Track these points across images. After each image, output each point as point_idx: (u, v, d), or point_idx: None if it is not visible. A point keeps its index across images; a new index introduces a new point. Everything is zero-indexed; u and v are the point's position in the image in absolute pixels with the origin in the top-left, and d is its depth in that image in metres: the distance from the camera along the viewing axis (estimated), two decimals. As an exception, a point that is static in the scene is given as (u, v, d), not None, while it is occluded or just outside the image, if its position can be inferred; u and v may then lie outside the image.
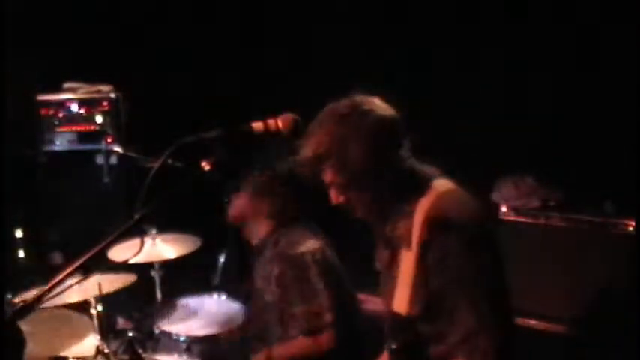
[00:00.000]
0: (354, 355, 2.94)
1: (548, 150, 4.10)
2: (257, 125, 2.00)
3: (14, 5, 4.44)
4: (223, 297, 3.69)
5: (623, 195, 3.71)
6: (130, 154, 4.54)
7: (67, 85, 4.74)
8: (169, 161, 1.90)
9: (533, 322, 3.86)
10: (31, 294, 1.82)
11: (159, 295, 3.75)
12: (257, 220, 3.04)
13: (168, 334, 3.35)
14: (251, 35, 5.22)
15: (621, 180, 3.67)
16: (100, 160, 4.63)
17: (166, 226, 3.62)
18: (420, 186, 2.17)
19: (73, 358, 2.87)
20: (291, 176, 2.90)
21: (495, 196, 4.09)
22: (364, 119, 2.13)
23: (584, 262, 3.71)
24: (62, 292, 1.82)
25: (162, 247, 3.62)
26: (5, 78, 4.30)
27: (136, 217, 1.82)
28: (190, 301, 3.67)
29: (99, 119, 4.63)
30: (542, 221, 3.90)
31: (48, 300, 1.76)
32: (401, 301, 2.17)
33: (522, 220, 3.95)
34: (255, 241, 3.07)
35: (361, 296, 3.21)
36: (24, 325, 2.40)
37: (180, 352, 3.25)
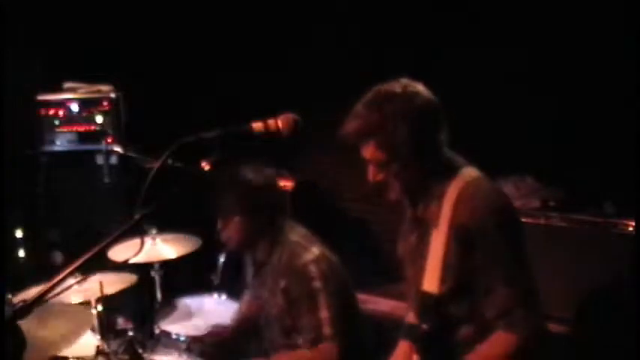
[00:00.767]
0: (356, 357, 2.95)
1: (548, 150, 4.10)
2: (257, 125, 2.00)
3: (14, 5, 4.43)
4: (223, 297, 3.70)
5: (623, 195, 3.70)
6: (130, 154, 4.54)
7: (67, 85, 4.74)
8: (169, 161, 1.90)
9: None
10: (31, 294, 1.82)
11: (159, 295, 3.75)
12: (253, 242, 3.01)
13: (168, 334, 3.36)
14: (251, 35, 5.22)
15: (621, 180, 3.67)
16: (100, 160, 4.63)
17: (166, 226, 3.63)
18: (452, 171, 2.26)
19: (73, 358, 2.87)
20: (260, 185, 2.90)
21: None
22: (413, 99, 2.21)
23: (584, 262, 3.71)
24: (62, 292, 1.82)
25: (162, 247, 3.63)
26: (5, 78, 4.30)
27: (136, 217, 1.82)
28: (190, 301, 3.68)
29: (99, 119, 4.63)
30: (542, 221, 3.89)
31: (48, 300, 1.76)
32: (432, 280, 2.22)
33: (522, 220, 3.95)
34: (258, 258, 3.04)
35: (362, 297, 3.21)
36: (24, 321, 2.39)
37: (180, 352, 3.25)
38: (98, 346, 2.94)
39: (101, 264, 1.89)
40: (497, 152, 4.10)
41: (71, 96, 4.69)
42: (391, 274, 5.02)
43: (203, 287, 3.83)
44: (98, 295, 3.01)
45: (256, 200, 2.91)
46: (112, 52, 4.80)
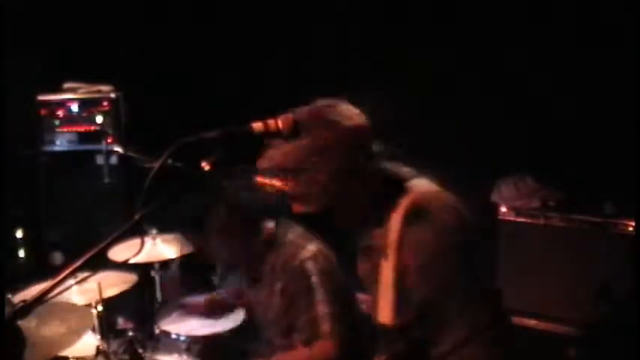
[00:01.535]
0: (354, 357, 2.94)
1: (548, 150, 4.10)
2: (257, 125, 1.99)
3: (14, 5, 4.43)
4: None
5: (623, 195, 3.71)
6: (130, 154, 4.54)
7: (67, 85, 4.74)
8: (169, 161, 1.90)
9: (532, 322, 3.86)
10: (31, 294, 1.81)
11: (159, 295, 3.75)
12: (246, 256, 3.01)
13: (168, 334, 3.36)
14: (251, 35, 5.22)
15: (621, 180, 3.67)
16: (100, 160, 4.63)
17: (166, 226, 3.63)
18: (395, 190, 2.08)
19: (73, 358, 2.87)
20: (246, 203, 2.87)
21: (495, 196, 4.09)
22: (330, 131, 2.03)
23: (584, 262, 3.71)
24: (62, 292, 1.82)
25: (162, 248, 3.63)
26: (5, 78, 4.30)
27: (136, 217, 1.82)
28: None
29: (99, 119, 4.63)
30: (542, 221, 3.90)
31: (48, 300, 1.76)
32: (384, 312, 2.09)
33: (522, 220, 3.95)
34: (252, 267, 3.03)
35: (361, 297, 3.20)
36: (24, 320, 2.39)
37: (180, 352, 3.25)
38: (98, 346, 2.94)
39: (101, 264, 1.89)
40: (497, 152, 4.11)
41: (71, 96, 4.69)
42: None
43: (203, 287, 3.83)
44: (98, 296, 3.00)
45: (253, 222, 2.90)
46: (112, 52, 4.80)
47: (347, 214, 2.12)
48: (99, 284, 2.97)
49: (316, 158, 2.01)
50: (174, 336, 3.34)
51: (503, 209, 4.01)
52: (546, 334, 3.83)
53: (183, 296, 3.72)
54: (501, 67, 4.13)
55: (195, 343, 3.27)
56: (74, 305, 2.96)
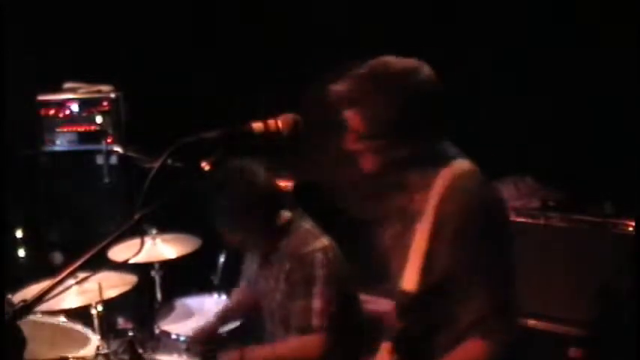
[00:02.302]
0: (353, 356, 2.94)
1: (548, 150, 4.10)
2: (257, 125, 1.99)
3: (14, 5, 4.43)
4: (223, 297, 3.70)
5: (623, 195, 3.71)
6: (130, 154, 4.54)
7: (67, 85, 4.74)
8: (169, 161, 1.90)
9: (532, 322, 3.86)
10: (30, 293, 1.82)
11: (159, 296, 3.75)
12: (255, 242, 3.00)
13: (168, 334, 3.36)
14: (251, 35, 5.21)
15: (621, 180, 3.67)
16: (100, 160, 4.63)
17: (166, 226, 3.63)
18: (442, 161, 2.12)
19: (73, 358, 2.87)
20: (260, 192, 2.85)
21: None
22: (412, 79, 2.08)
23: (584, 262, 3.71)
24: (62, 292, 1.82)
25: (162, 248, 3.63)
26: (5, 78, 4.30)
27: (136, 217, 1.82)
28: (190, 302, 3.68)
29: (99, 119, 4.63)
30: (541, 221, 3.89)
31: (48, 300, 1.76)
32: (411, 277, 2.11)
33: (522, 220, 3.95)
34: (263, 252, 3.01)
35: (364, 297, 3.20)
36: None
37: (180, 353, 3.25)
38: (98, 346, 2.94)
39: (101, 264, 1.89)
40: (497, 152, 4.11)
41: (71, 96, 4.69)
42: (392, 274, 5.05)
43: (203, 287, 3.83)
44: (98, 297, 3.00)
45: (271, 202, 2.89)
46: (112, 52, 4.80)
47: (393, 164, 2.12)
48: (100, 284, 2.97)
49: (393, 97, 2.04)
50: (174, 336, 3.34)
51: (504, 209, 4.01)
52: (546, 334, 3.83)
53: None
54: (500, 66, 4.13)
55: (195, 343, 3.27)
56: (70, 330, 2.98)
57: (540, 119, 4.06)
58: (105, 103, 4.66)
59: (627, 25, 3.73)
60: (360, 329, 3.00)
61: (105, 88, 4.71)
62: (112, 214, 4.47)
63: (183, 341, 3.28)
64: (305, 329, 2.76)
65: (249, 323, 3.35)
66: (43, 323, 3.03)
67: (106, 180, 4.61)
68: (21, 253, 4.67)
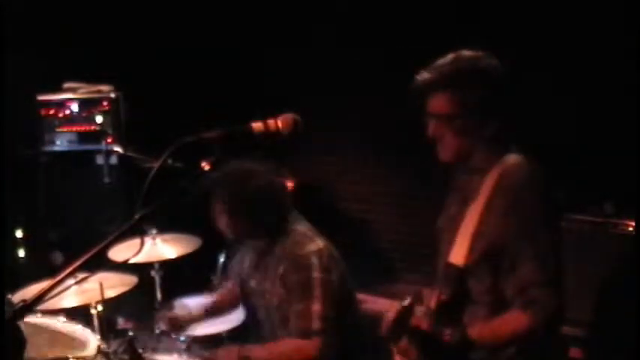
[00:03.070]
0: (352, 356, 2.94)
1: (547, 150, 4.09)
2: (257, 125, 1.99)
3: (14, 5, 4.43)
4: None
5: (624, 195, 3.71)
6: (130, 154, 4.54)
7: (67, 85, 4.74)
8: (169, 161, 1.90)
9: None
10: (30, 293, 1.82)
11: (159, 295, 3.75)
12: (251, 237, 3.00)
13: (168, 334, 3.36)
14: (252, 35, 5.22)
15: (621, 180, 3.67)
16: (100, 160, 4.63)
17: (166, 226, 3.63)
18: (503, 150, 2.28)
19: (73, 358, 2.87)
20: (261, 186, 2.86)
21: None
22: (493, 66, 2.28)
23: (584, 262, 3.71)
24: (62, 292, 1.82)
25: (162, 248, 3.63)
26: (5, 78, 4.30)
27: (136, 217, 1.82)
28: (190, 302, 3.68)
29: (99, 119, 4.63)
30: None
31: (48, 300, 1.75)
32: (459, 251, 2.22)
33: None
34: (260, 247, 3.01)
35: (361, 296, 3.20)
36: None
37: (180, 352, 3.25)
38: (98, 346, 2.94)
39: (101, 264, 1.88)
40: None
41: (71, 96, 4.69)
42: (391, 274, 5.05)
43: (203, 287, 3.82)
44: (98, 296, 3.00)
45: (254, 202, 2.87)
46: (112, 52, 4.80)
47: (467, 147, 2.28)
48: (100, 284, 2.97)
49: (476, 83, 2.24)
50: (174, 336, 3.34)
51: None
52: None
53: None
54: (504, 65, 4.13)
55: (195, 343, 3.27)
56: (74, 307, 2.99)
57: (541, 120, 4.06)
58: (105, 103, 4.66)
59: (627, 25, 3.73)
60: (358, 329, 3.00)
61: (105, 88, 4.71)
62: (112, 214, 4.47)
63: (183, 341, 3.28)
64: (304, 332, 2.75)
65: (250, 323, 3.35)
66: (43, 325, 3.03)
67: (106, 180, 4.61)
68: (21, 253, 4.67)
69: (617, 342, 3.51)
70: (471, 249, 2.20)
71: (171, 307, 3.57)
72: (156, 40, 4.93)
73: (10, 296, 2.75)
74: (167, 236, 3.68)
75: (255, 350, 2.85)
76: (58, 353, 2.82)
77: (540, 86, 4.06)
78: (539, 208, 2.18)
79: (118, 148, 4.61)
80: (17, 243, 4.65)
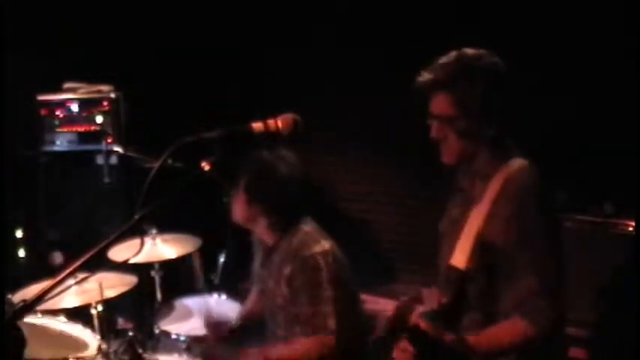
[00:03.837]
0: (355, 355, 2.94)
1: (547, 150, 4.10)
2: (257, 125, 2.00)
3: (14, 4, 4.43)
4: (223, 297, 3.70)
5: (624, 195, 3.71)
6: (130, 154, 4.54)
7: (67, 85, 4.74)
8: (169, 161, 1.90)
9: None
10: (30, 293, 1.82)
11: (159, 295, 3.75)
12: (259, 225, 3.00)
13: (168, 334, 3.36)
14: (251, 35, 5.22)
15: (621, 180, 3.67)
16: (100, 160, 4.62)
17: (166, 226, 3.63)
18: (507, 154, 2.26)
19: (73, 358, 2.87)
20: (283, 177, 2.86)
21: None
22: (494, 64, 2.25)
23: (584, 262, 3.71)
24: (62, 292, 1.82)
25: (162, 248, 3.63)
26: (5, 78, 4.29)
27: (136, 217, 1.82)
28: (190, 302, 3.68)
29: (99, 119, 4.63)
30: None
31: (48, 300, 1.76)
32: (461, 254, 2.21)
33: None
34: (266, 242, 3.01)
35: (363, 296, 3.20)
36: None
37: (180, 352, 3.25)
38: (99, 346, 2.94)
39: (101, 264, 1.89)
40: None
41: (71, 96, 4.68)
42: (391, 274, 5.05)
43: (203, 287, 3.83)
44: (98, 296, 3.00)
45: (282, 194, 2.88)
46: (112, 51, 4.80)
47: (468, 149, 2.26)
48: (100, 284, 2.97)
49: (481, 84, 2.20)
50: (174, 336, 3.34)
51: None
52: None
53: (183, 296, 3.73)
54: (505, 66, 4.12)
55: (195, 343, 3.27)
56: (71, 337, 2.99)
57: (541, 120, 4.06)
58: (105, 103, 4.65)
59: (627, 26, 3.73)
60: (361, 329, 3.00)
61: (105, 88, 4.71)
62: (112, 214, 4.47)
63: (183, 341, 3.28)
64: (316, 332, 2.75)
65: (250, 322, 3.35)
66: (43, 325, 3.03)
67: (106, 180, 4.60)
68: (21, 253, 4.67)
69: (617, 342, 3.51)
70: (473, 253, 2.19)
71: (172, 308, 3.57)
72: (156, 40, 4.93)
73: (10, 296, 2.75)
74: (167, 236, 3.68)
75: (276, 351, 2.85)
76: (58, 353, 2.82)
77: (540, 86, 4.06)
78: (542, 218, 2.18)
79: (118, 148, 4.60)
80: (17, 243, 4.65)
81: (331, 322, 2.75)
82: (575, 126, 4.01)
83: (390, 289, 4.48)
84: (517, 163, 2.25)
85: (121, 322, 4.33)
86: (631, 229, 3.65)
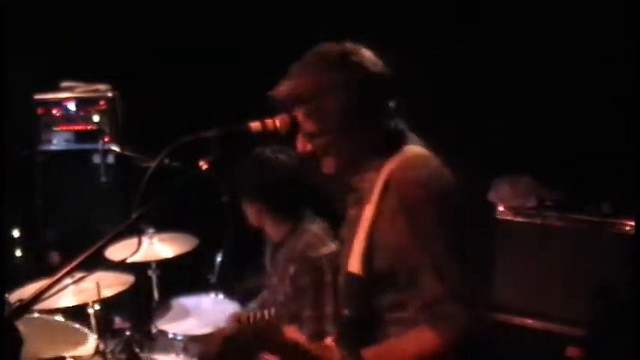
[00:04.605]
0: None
1: (545, 149, 4.10)
2: (255, 125, 2.00)
3: (12, 4, 4.42)
4: (220, 296, 3.69)
5: (621, 194, 3.71)
6: (127, 153, 4.52)
7: (64, 84, 4.72)
8: (167, 160, 1.90)
9: (530, 321, 3.87)
10: (27, 293, 1.82)
11: (156, 295, 3.75)
12: (264, 225, 3.00)
13: (165, 334, 3.36)
14: (250, 34, 5.21)
15: (619, 179, 3.67)
16: (97, 159, 4.61)
17: (163, 225, 3.62)
18: (396, 145, 2.03)
19: (71, 357, 2.87)
20: (275, 175, 2.87)
21: (492, 196, 4.09)
22: (352, 70, 1.99)
23: (581, 262, 3.72)
24: (59, 291, 1.82)
25: (159, 247, 3.62)
26: (5, 78, 4.28)
27: (134, 216, 1.82)
28: (187, 301, 3.68)
29: (96, 118, 4.62)
30: (538, 221, 3.90)
31: (45, 299, 1.75)
32: (356, 259, 2.00)
33: (519, 219, 3.96)
34: (273, 239, 3.02)
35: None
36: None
37: (177, 352, 3.25)
38: (96, 346, 2.94)
39: (98, 263, 1.88)
40: (495, 152, 4.11)
41: (68, 95, 4.67)
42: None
43: (200, 287, 3.82)
44: (95, 296, 3.00)
45: (268, 183, 2.89)
46: (110, 50, 4.79)
47: (343, 157, 2.05)
48: (97, 283, 2.97)
49: (332, 93, 1.97)
50: (171, 335, 3.34)
51: (501, 208, 4.01)
52: (543, 334, 3.84)
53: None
54: (497, 66, 4.13)
55: (192, 342, 3.27)
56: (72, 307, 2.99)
57: (538, 119, 4.06)
58: (102, 102, 4.64)
59: (626, 26, 3.74)
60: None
61: (102, 87, 4.70)
62: (109, 214, 4.46)
63: (181, 340, 3.27)
64: (318, 335, 2.75)
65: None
66: (40, 324, 3.03)
67: (103, 179, 4.59)
68: (18, 252, 4.66)
69: (614, 341, 3.52)
70: (367, 257, 1.97)
71: (169, 307, 3.57)
72: (153, 38, 4.92)
73: (7, 296, 2.75)
74: (164, 235, 3.68)
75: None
76: (56, 353, 2.81)
77: (539, 86, 4.06)
78: (433, 212, 1.88)
79: (115, 148, 4.59)
80: (14, 243, 4.64)
81: (329, 326, 2.73)
82: (572, 125, 4.01)
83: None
84: (409, 151, 2.03)
85: (118, 322, 4.33)
86: (628, 228, 3.65)
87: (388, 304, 2.00)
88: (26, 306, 1.74)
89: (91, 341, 2.99)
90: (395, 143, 2.04)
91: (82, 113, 4.64)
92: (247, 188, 2.92)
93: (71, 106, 4.64)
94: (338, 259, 2.65)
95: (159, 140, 1.98)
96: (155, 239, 3.63)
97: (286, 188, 2.90)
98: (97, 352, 2.92)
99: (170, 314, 3.57)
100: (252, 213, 2.96)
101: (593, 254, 3.68)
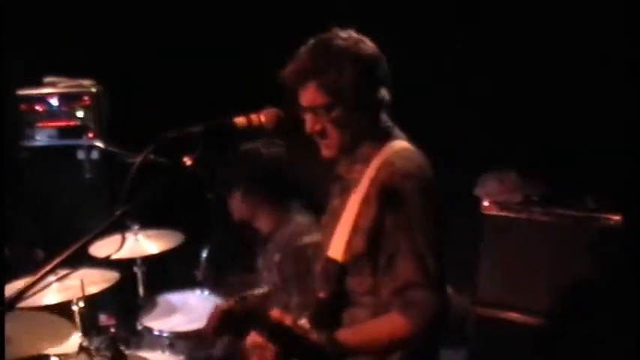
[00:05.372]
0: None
1: (531, 145, 4.12)
2: (240, 120, 1.99)
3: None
4: (206, 293, 3.69)
5: (607, 189, 3.73)
6: (111, 149, 4.49)
7: (47, 79, 4.69)
8: (151, 156, 1.88)
9: (515, 315, 3.88)
10: (11, 290, 1.80)
11: (141, 292, 3.74)
12: (257, 218, 3.01)
13: (151, 330, 3.35)
14: (239, 29, 5.18)
15: (605, 175, 3.69)
16: (81, 155, 4.58)
17: (149, 221, 3.61)
18: (386, 138, 2.18)
19: (55, 355, 2.85)
20: (268, 167, 2.89)
21: (478, 191, 4.10)
22: (360, 45, 2.16)
23: (567, 257, 3.73)
24: (43, 289, 1.80)
25: (144, 243, 3.61)
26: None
27: (118, 212, 1.80)
28: (173, 297, 3.67)
29: (80, 114, 4.58)
30: (524, 216, 3.91)
31: (29, 297, 1.73)
32: (338, 245, 2.11)
33: (505, 214, 3.97)
34: (263, 232, 3.03)
35: None
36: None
37: (163, 349, 3.24)
38: (80, 343, 2.92)
39: (83, 260, 1.87)
40: (481, 147, 4.12)
41: (51, 90, 4.63)
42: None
43: (186, 283, 3.81)
44: (79, 293, 2.98)
45: (262, 176, 2.91)
46: (93, 45, 4.76)
47: (349, 136, 2.15)
48: (82, 281, 2.95)
49: (345, 66, 2.09)
50: (156, 332, 3.33)
51: (486, 203, 4.02)
52: (528, 328, 3.85)
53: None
54: (487, 62, 4.14)
55: (178, 339, 3.26)
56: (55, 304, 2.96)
57: (524, 114, 4.08)
58: (86, 98, 4.60)
59: (612, 19, 3.76)
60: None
61: (86, 82, 4.66)
62: (94, 210, 4.43)
63: (166, 337, 3.26)
64: None
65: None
66: (24, 322, 3.00)
67: (88, 175, 4.56)
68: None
69: (600, 336, 3.54)
70: (349, 243, 2.08)
71: (154, 304, 3.56)
72: (138, 34, 4.88)
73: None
74: (149, 232, 3.66)
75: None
76: (40, 350, 2.78)
77: (524, 82, 4.08)
78: (418, 201, 2.02)
79: (99, 143, 4.56)
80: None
81: None
82: (558, 120, 4.03)
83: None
84: (396, 144, 2.16)
85: (103, 319, 4.31)
86: (613, 223, 3.67)
87: (363, 289, 2.11)
88: (10, 303, 1.72)
89: (75, 338, 2.96)
90: (384, 136, 2.18)
91: (65, 109, 4.59)
92: (243, 181, 2.92)
93: (54, 102, 4.60)
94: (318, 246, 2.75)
95: (143, 136, 1.97)
96: (140, 235, 3.61)
97: (280, 178, 2.95)
98: (82, 349, 2.90)
99: (156, 311, 3.56)
100: (243, 207, 2.97)
101: (578, 249, 3.70)
